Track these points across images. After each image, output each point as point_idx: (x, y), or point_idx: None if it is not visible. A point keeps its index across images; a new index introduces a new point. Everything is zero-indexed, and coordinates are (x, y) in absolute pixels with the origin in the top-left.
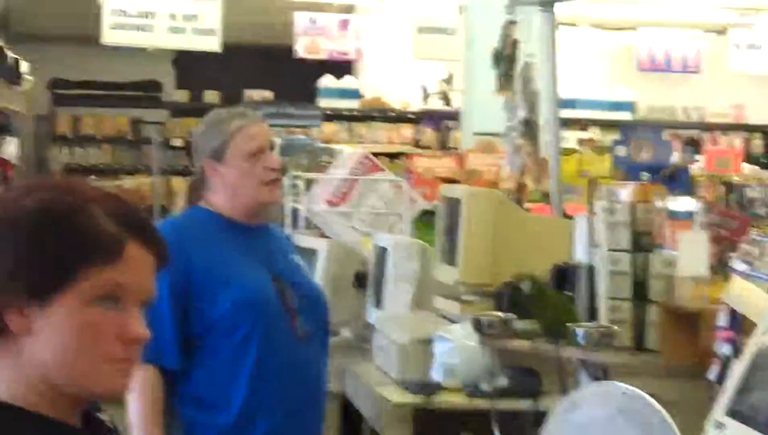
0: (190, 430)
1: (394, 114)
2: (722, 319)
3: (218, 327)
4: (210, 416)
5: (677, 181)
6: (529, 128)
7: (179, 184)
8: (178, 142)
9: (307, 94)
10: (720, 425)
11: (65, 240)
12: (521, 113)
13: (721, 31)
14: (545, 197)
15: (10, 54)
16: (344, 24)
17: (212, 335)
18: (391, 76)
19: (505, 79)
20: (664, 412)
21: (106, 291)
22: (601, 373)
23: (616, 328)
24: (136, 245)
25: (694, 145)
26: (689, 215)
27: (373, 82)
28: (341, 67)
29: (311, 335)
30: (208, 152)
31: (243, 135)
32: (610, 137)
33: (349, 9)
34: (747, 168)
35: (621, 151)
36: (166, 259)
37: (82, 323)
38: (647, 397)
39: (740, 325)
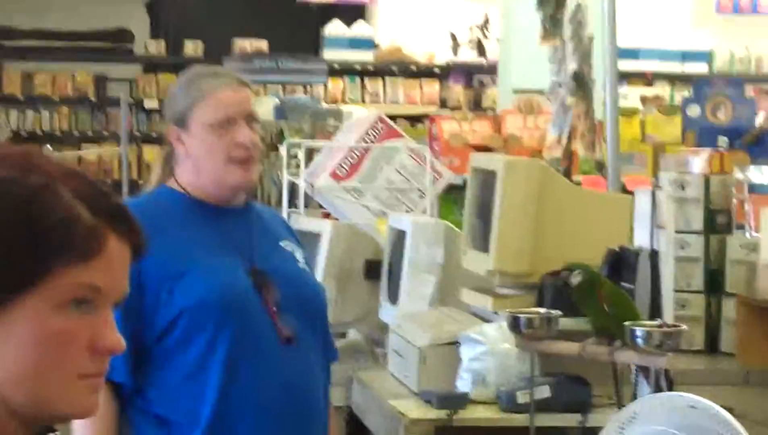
0: None
1: (416, 68)
2: None
3: (175, 333)
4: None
5: (763, 147)
6: (581, 84)
7: (153, 154)
8: (152, 104)
9: (310, 45)
10: None
11: (31, 232)
12: (571, 65)
13: None
14: (599, 168)
15: None
16: None
17: (168, 343)
18: (412, 22)
19: (552, 24)
20: (740, 427)
21: (79, 294)
22: (665, 382)
23: (684, 327)
24: (114, 238)
25: None
26: None
27: (391, 30)
28: (352, 12)
29: (300, 338)
30: (171, 117)
31: (210, 100)
32: (680, 94)
33: None
34: None
35: (694, 111)
36: (143, 249)
37: (49, 332)
38: (720, 410)
39: None
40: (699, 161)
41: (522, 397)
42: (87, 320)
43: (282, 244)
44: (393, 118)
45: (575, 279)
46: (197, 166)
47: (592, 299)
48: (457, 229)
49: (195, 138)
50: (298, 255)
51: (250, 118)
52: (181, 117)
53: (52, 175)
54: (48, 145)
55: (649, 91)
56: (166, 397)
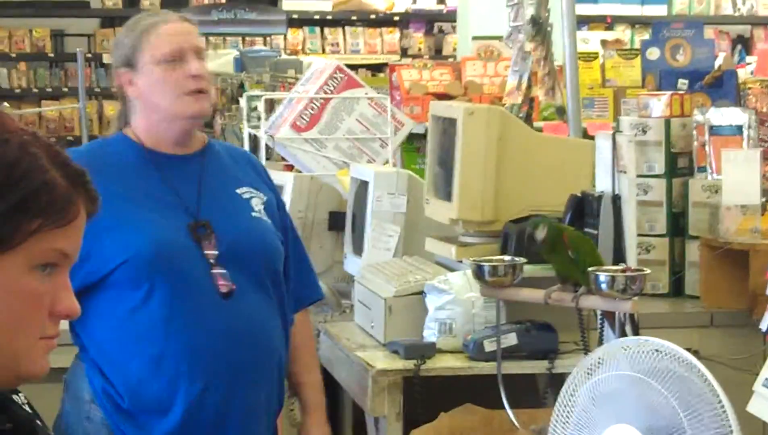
0: (100, 400)
1: (375, 16)
2: None
3: (108, 288)
4: (113, 387)
5: (722, 88)
6: (539, 29)
7: (114, 109)
8: (110, 59)
9: None
10: None
11: (15, 193)
12: (528, 10)
13: None
14: (561, 113)
15: None
16: None
17: (101, 298)
18: None
19: None
20: (704, 370)
21: (52, 258)
22: (631, 326)
23: (647, 270)
24: (81, 203)
25: (744, 45)
26: (737, 130)
27: None
28: None
29: (243, 290)
30: (120, 61)
31: (156, 35)
32: (641, 38)
33: None
34: None
35: (654, 54)
36: (95, 214)
37: (22, 292)
38: (685, 353)
39: None
40: (659, 104)
41: (489, 345)
42: (51, 283)
43: (239, 190)
44: (354, 67)
45: (540, 233)
46: (150, 104)
47: (558, 250)
48: (420, 178)
49: (146, 76)
50: (257, 202)
51: (199, 51)
52: (129, 58)
53: (25, 138)
54: (5, 103)
55: (610, 35)
56: (101, 349)
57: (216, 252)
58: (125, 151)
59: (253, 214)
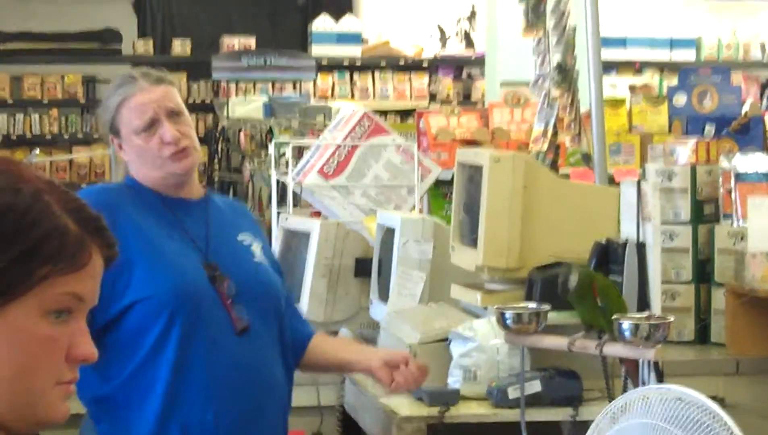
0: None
1: (404, 62)
2: None
3: (128, 324)
4: (126, 418)
5: (749, 134)
6: (565, 75)
7: None
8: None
9: (298, 41)
10: None
11: (26, 240)
12: (555, 57)
13: None
14: (587, 159)
15: None
16: None
17: (120, 334)
18: (399, 16)
19: (534, 16)
20: (727, 418)
21: (65, 303)
22: (655, 374)
23: (671, 318)
24: (95, 249)
25: None
26: (764, 177)
27: (379, 24)
28: (339, 6)
29: (254, 328)
30: (106, 126)
31: (128, 109)
32: (669, 82)
33: None
34: None
35: (680, 99)
36: (114, 260)
37: (36, 338)
38: (708, 401)
39: None
40: (685, 150)
41: (513, 392)
42: (66, 328)
43: (239, 237)
44: (383, 113)
45: (573, 280)
46: (138, 167)
47: (586, 297)
48: (446, 224)
49: (129, 144)
50: (256, 248)
51: (171, 113)
52: (111, 126)
53: (39, 186)
54: (37, 150)
55: (638, 80)
56: (118, 386)
57: (232, 290)
58: (136, 193)
59: (255, 259)
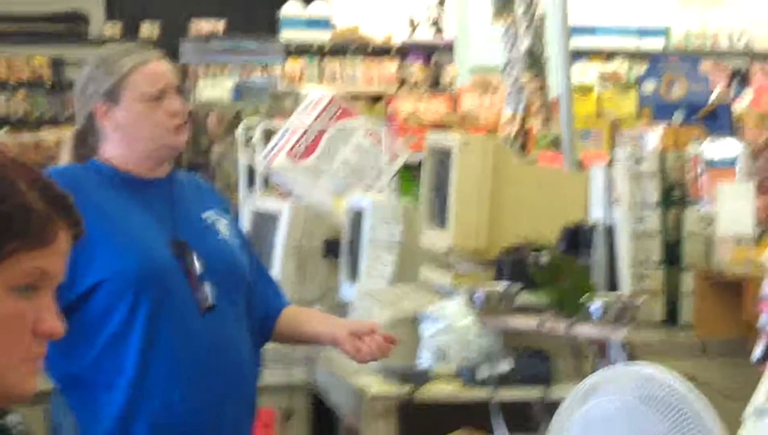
0: (78, 413)
1: (373, 47)
2: None
3: (93, 303)
4: (94, 398)
5: (717, 121)
6: (534, 61)
7: None
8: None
9: (268, 25)
10: (763, 413)
11: None
12: (524, 43)
13: None
14: (555, 144)
15: None
16: None
17: (87, 313)
18: (369, 2)
19: (503, 3)
20: (697, 398)
21: (32, 279)
22: (624, 354)
23: (640, 299)
24: (61, 226)
25: (741, 79)
26: (731, 163)
27: (348, 9)
28: None
29: (220, 306)
30: (100, 94)
31: (141, 74)
32: (638, 71)
33: None
34: None
35: (649, 87)
36: (81, 237)
37: (3, 313)
38: (676, 380)
39: None
40: (654, 136)
41: (483, 372)
42: (32, 304)
43: (204, 215)
44: (352, 98)
45: (543, 259)
46: (129, 136)
47: (549, 274)
48: (415, 207)
49: (127, 111)
50: (221, 225)
51: (179, 89)
52: (110, 93)
53: (4, 162)
54: (4, 129)
55: (608, 68)
56: (86, 366)
57: (198, 268)
58: (101, 174)
59: (219, 237)
